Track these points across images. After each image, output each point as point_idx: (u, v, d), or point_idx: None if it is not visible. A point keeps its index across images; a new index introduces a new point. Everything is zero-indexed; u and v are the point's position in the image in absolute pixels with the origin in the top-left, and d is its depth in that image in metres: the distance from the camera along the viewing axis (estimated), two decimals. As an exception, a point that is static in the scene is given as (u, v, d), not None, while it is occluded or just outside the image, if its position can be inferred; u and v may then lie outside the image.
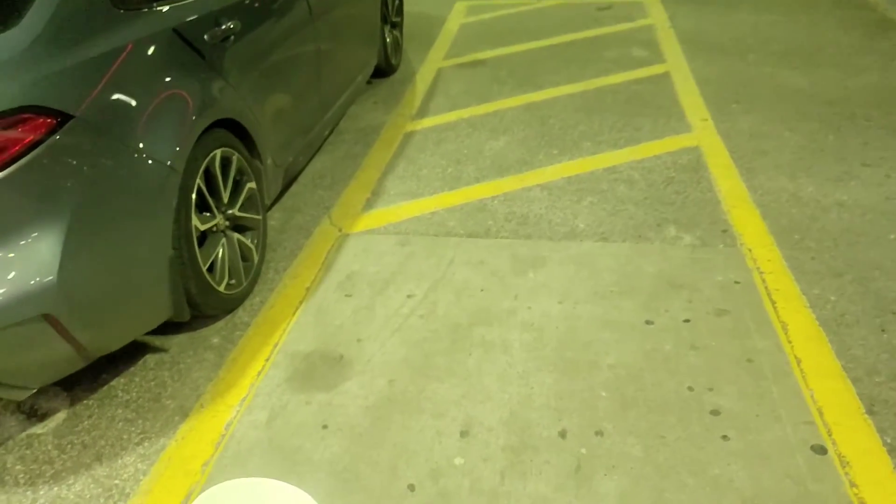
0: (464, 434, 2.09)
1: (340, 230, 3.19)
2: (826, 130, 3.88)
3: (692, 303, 2.58)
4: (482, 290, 2.72)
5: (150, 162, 2.17)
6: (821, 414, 2.08)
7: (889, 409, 2.09)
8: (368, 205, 3.40)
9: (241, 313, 2.68)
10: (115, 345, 2.21)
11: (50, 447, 2.15)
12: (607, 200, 3.31)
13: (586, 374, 2.28)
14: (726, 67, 4.88)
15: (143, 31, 2.28)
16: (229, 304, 2.65)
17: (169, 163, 2.22)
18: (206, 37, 2.55)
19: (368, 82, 4.91)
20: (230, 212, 2.66)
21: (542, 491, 1.89)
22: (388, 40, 4.90)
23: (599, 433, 2.06)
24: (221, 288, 2.54)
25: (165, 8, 2.43)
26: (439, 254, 2.97)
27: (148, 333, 2.47)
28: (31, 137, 1.85)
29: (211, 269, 2.51)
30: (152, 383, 2.38)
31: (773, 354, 2.32)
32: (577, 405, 2.16)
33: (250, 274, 2.77)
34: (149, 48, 2.28)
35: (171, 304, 2.33)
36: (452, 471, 1.97)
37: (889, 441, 1.99)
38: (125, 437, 2.17)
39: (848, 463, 1.93)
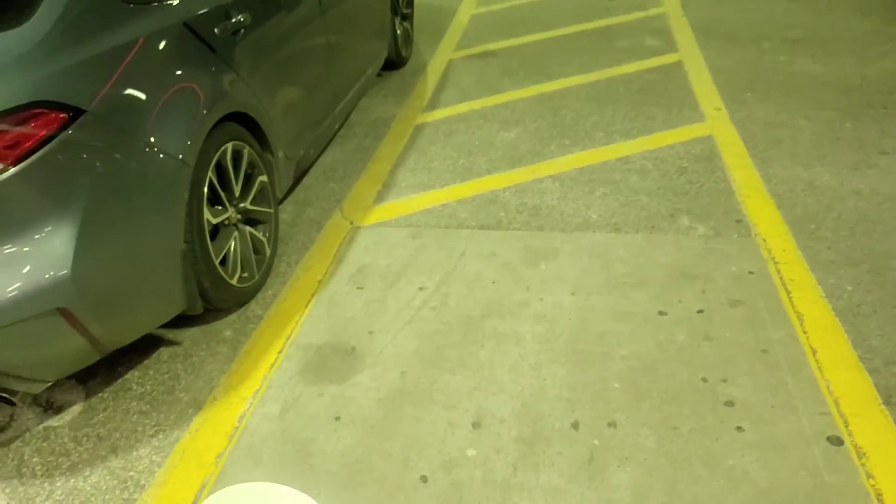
0: (476, 426, 2.09)
1: (352, 223, 3.19)
2: (842, 119, 3.83)
3: (706, 293, 2.56)
4: (494, 282, 2.71)
5: (161, 156, 2.18)
6: (837, 405, 2.06)
7: (906, 399, 2.07)
8: (380, 197, 3.39)
9: (253, 306, 2.69)
10: (129, 338, 2.23)
11: (66, 439, 2.17)
12: (620, 191, 3.29)
13: (599, 366, 2.27)
14: (740, 56, 4.83)
15: (153, 25, 2.28)
16: (242, 298, 2.66)
17: (181, 156, 2.23)
18: (216, 30, 2.55)
19: (379, 75, 4.90)
20: (242, 205, 2.66)
21: (554, 482, 1.89)
22: (398, 32, 4.88)
23: (612, 425, 2.05)
24: (234, 281, 2.55)
25: (175, 2, 2.43)
26: (451, 246, 2.96)
27: (161, 327, 2.48)
28: (44, 133, 1.86)
29: (223, 262, 2.52)
30: (166, 376, 2.39)
31: (789, 345, 2.30)
32: (590, 397, 2.16)
33: (262, 267, 2.77)
34: (160, 42, 2.29)
35: (183, 297, 2.34)
36: (465, 462, 1.97)
37: (906, 432, 1.97)
38: (140, 429, 2.19)
39: (864, 454, 1.91)
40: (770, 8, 5.77)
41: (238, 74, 2.63)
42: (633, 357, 2.30)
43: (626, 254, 2.83)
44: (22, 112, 1.82)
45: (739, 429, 2.01)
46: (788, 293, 2.53)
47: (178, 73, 2.33)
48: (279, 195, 3.05)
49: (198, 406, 2.26)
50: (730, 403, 2.10)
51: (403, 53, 5.04)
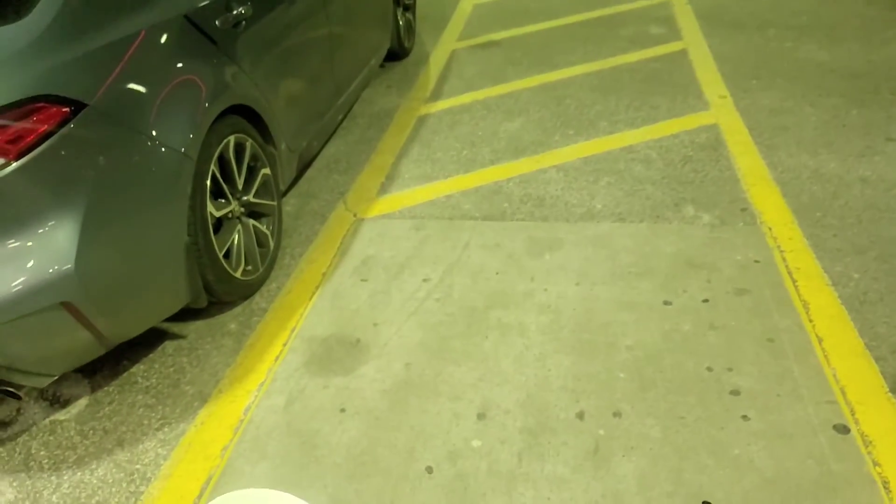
0: (481, 416, 2.08)
1: (355, 215, 3.19)
2: (849, 105, 3.80)
3: (711, 283, 2.55)
4: (498, 273, 2.70)
5: (164, 149, 2.17)
6: (843, 393, 2.05)
7: (914, 387, 2.06)
8: (383, 189, 3.39)
9: (258, 299, 2.69)
10: (134, 331, 2.23)
11: (72, 433, 2.18)
12: (624, 180, 3.27)
13: (604, 356, 2.26)
14: (745, 43, 4.79)
15: (154, 17, 2.28)
16: (246, 290, 2.66)
17: (183, 150, 2.22)
18: (217, 22, 2.55)
19: (382, 66, 4.88)
20: (245, 198, 2.66)
21: (559, 472, 1.89)
22: (400, 23, 4.86)
23: (617, 414, 2.05)
24: (238, 274, 2.55)
25: (176, -6, 2.42)
26: (455, 237, 2.95)
27: (166, 320, 2.49)
28: (46, 127, 1.85)
29: (227, 255, 2.51)
30: (171, 369, 2.40)
31: (795, 333, 2.29)
32: (595, 387, 2.15)
33: (266, 260, 2.77)
34: (161, 35, 2.28)
35: (187, 290, 2.34)
36: (470, 453, 1.97)
37: (914, 420, 1.96)
38: (146, 422, 2.20)
39: (871, 442, 1.90)
40: (775, -6, 5.73)
41: (240, 67, 2.62)
42: (638, 347, 2.29)
43: (630, 243, 2.81)
44: (24, 106, 1.82)
45: (745, 418, 2.00)
46: (794, 281, 2.52)
47: (180, 65, 2.32)
48: (282, 188, 3.05)
49: (203, 399, 2.26)
50: (735, 392, 2.09)
51: (406, 44, 5.02)
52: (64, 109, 1.89)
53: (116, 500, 1.94)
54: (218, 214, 2.46)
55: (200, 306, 2.44)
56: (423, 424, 2.08)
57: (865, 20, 5.00)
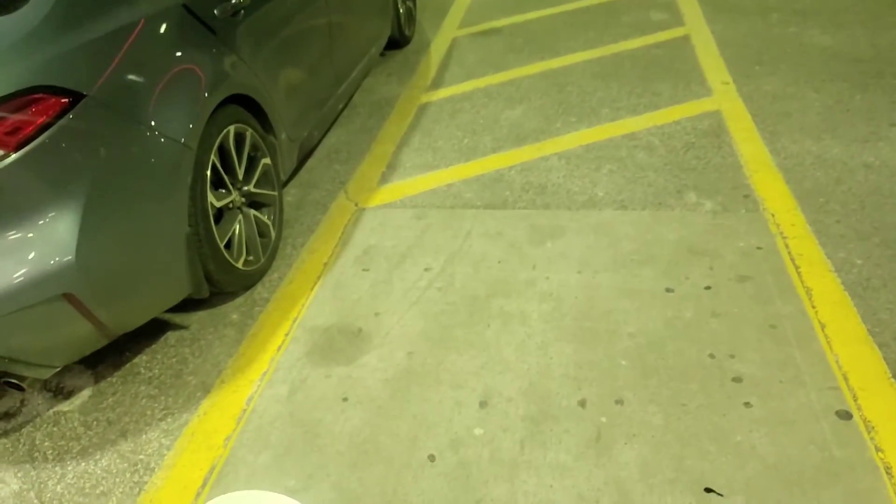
0: (483, 405, 2.09)
1: (357, 204, 3.18)
2: (853, 90, 3.77)
3: (713, 269, 2.54)
4: (500, 262, 2.70)
5: (163, 139, 2.17)
6: (846, 379, 2.05)
7: (917, 373, 2.06)
8: (384, 178, 3.38)
9: (259, 289, 2.69)
10: (136, 322, 2.23)
11: (76, 424, 2.19)
12: (626, 168, 3.26)
13: (606, 344, 2.26)
14: (748, 28, 4.76)
15: (153, 7, 2.27)
16: (248, 281, 2.66)
17: (183, 140, 2.22)
18: (216, 11, 2.53)
19: (382, 54, 4.86)
20: (246, 188, 2.66)
21: (562, 460, 1.89)
22: (401, 11, 4.83)
23: (619, 402, 2.05)
24: (239, 264, 2.55)
25: (174, -17, 2.41)
26: (456, 226, 2.95)
27: (168, 311, 2.49)
28: (45, 118, 1.85)
29: (228, 245, 2.51)
30: (174, 360, 2.40)
31: (797, 320, 2.28)
32: (597, 374, 2.15)
33: (268, 250, 2.77)
34: (160, 25, 2.27)
35: (189, 281, 2.34)
36: (472, 441, 1.97)
37: (916, 406, 1.95)
38: (149, 413, 2.20)
39: (873, 428, 1.90)
40: (778, -21, 5.67)
41: (239, 56, 2.61)
42: (640, 334, 2.29)
43: (632, 231, 2.80)
44: (22, 98, 1.81)
45: (747, 404, 2.00)
46: (797, 268, 2.51)
47: (179, 55, 2.31)
48: (283, 178, 3.04)
49: (206, 389, 2.27)
50: (737, 379, 2.09)
51: (406, 32, 5.00)
52: (62, 100, 1.88)
53: (120, 489, 1.95)
54: (219, 205, 2.46)
55: (202, 297, 2.44)
56: (425, 413, 2.08)
57: (869, 4, 4.95)
